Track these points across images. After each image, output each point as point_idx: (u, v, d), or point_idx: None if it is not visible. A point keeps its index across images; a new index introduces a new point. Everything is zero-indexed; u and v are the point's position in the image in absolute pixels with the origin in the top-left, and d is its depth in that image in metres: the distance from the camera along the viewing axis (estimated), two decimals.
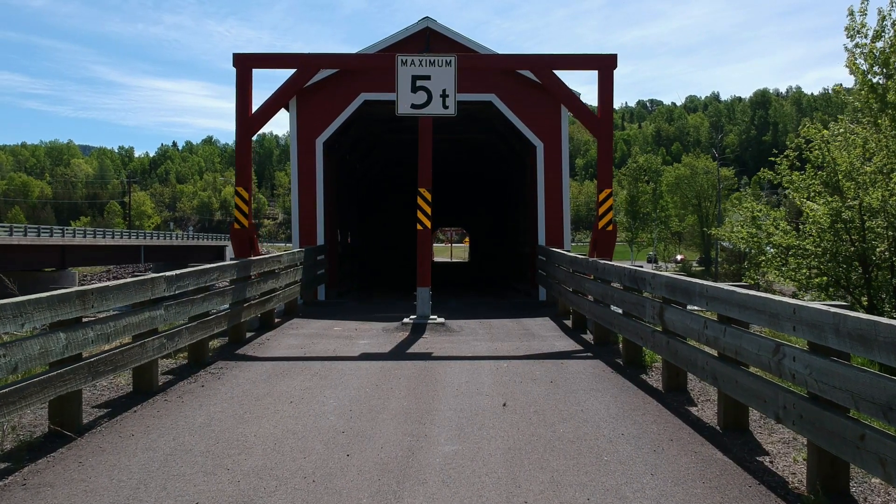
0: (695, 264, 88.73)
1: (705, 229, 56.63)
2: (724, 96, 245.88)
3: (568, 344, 11.60)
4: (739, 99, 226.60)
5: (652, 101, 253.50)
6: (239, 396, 8.16)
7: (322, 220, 17.99)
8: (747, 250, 18.70)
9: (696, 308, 7.63)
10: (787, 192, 18.72)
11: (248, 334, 12.24)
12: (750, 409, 6.60)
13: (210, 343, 11.28)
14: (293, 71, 13.49)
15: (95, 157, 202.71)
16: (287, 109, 18.17)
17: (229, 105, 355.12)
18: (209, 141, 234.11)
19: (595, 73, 13.38)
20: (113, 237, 78.43)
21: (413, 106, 12.88)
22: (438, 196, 47.81)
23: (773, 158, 18.80)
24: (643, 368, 9.53)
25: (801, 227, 18.12)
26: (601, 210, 13.15)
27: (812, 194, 17.67)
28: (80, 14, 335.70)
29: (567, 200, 18.19)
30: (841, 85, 19.36)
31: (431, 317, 13.07)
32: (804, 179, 17.67)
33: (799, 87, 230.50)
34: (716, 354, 6.85)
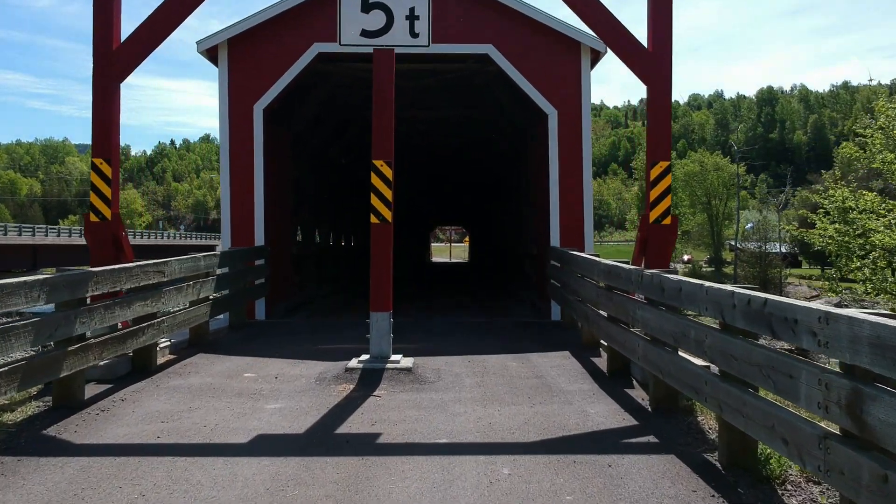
0: (703, 265, 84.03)
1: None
2: (728, 94, 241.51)
3: (609, 410, 7.05)
4: (743, 97, 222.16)
5: None
6: None
7: (262, 212, 13.47)
8: (833, 253, 14.07)
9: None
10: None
11: (101, 388, 7.74)
12: None
13: (17, 410, 6.85)
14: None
15: (91, 154, 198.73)
16: (216, 64, 13.66)
17: None
18: (206, 139, 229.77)
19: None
20: None
21: (365, 33, 8.35)
22: (433, 190, 43.15)
23: (857, 129, 14.31)
24: (766, 482, 5.03)
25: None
26: (654, 194, 8.61)
27: None
28: (84, 14, 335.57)
29: (589, 187, 13.65)
30: None
31: (393, 357, 8.54)
32: None
33: (804, 85, 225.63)
34: None
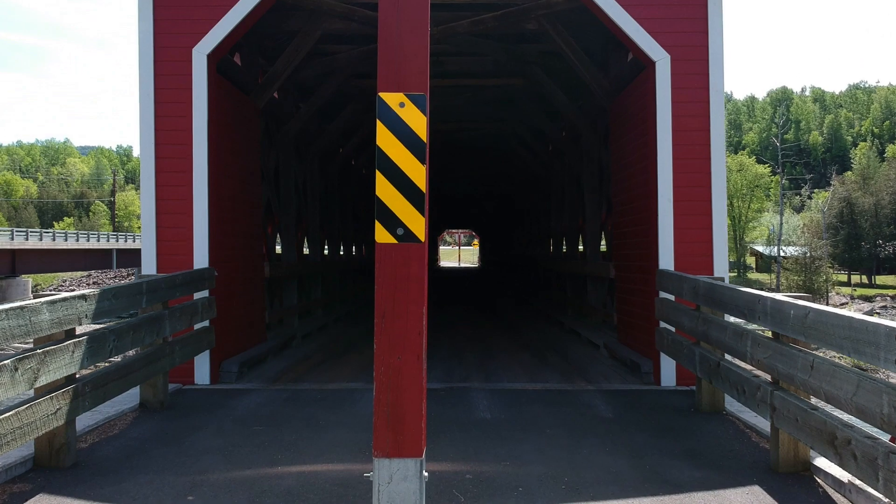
0: None
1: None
2: (737, 95, 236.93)
3: None
4: (753, 98, 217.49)
5: None
6: None
7: (205, 215, 8.56)
8: None
9: None
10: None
11: None
12: None
13: None
14: None
15: (93, 156, 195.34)
16: None
17: None
18: None
19: None
20: (77, 240, 69.38)
21: None
22: (443, 191, 37.97)
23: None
24: None
25: None
26: None
27: None
28: (93, 15, 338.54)
29: (721, 179, 8.70)
30: None
31: None
32: None
33: (814, 86, 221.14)
34: None
